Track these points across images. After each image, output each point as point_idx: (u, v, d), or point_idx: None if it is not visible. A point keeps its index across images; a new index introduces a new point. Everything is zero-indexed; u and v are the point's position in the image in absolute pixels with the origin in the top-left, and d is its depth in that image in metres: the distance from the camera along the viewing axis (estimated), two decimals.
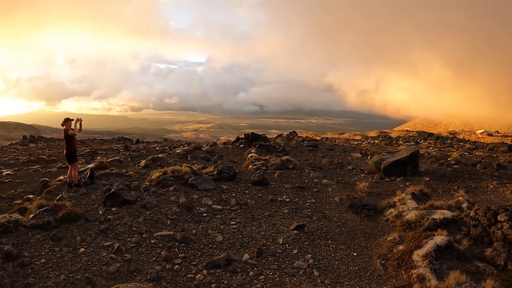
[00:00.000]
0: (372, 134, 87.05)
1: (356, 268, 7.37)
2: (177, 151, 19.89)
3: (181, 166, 12.99)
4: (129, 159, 17.63)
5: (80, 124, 11.71)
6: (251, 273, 6.94)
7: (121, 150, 23.33)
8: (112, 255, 7.25)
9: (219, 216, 9.63)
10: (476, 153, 24.30)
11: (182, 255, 7.47)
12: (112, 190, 10.02)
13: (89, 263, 6.99)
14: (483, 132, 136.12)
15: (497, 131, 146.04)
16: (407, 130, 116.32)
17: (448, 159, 18.08)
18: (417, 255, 7.04)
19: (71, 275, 6.59)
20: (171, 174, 12.23)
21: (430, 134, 61.92)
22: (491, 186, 13.22)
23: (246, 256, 7.55)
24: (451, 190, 12.56)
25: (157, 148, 23.82)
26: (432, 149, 27.44)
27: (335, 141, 31.98)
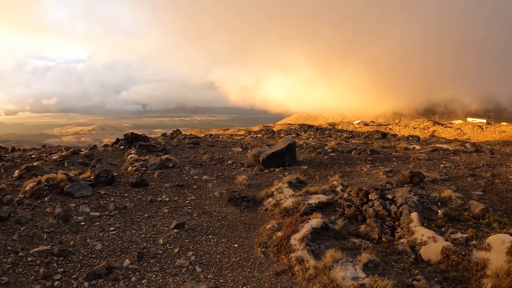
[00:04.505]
0: (256, 128, 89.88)
1: (238, 259, 7.69)
2: (54, 157, 18.66)
3: (57, 174, 12.30)
4: (2, 170, 16.11)
5: None
6: (133, 279, 6.91)
7: None
8: None
9: (97, 223, 9.36)
10: (352, 141, 26.46)
11: (62, 269, 7.16)
12: None
13: None
14: (359, 123, 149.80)
15: (372, 121, 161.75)
16: (289, 124, 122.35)
17: (326, 148, 19.51)
18: (294, 239, 7.56)
19: None
20: (45, 183, 11.52)
21: (310, 126, 65.70)
22: (365, 169, 14.60)
23: (127, 261, 7.49)
24: (328, 176, 13.63)
25: (33, 156, 22.00)
26: (312, 139, 29.22)
27: (218, 137, 32.34)
